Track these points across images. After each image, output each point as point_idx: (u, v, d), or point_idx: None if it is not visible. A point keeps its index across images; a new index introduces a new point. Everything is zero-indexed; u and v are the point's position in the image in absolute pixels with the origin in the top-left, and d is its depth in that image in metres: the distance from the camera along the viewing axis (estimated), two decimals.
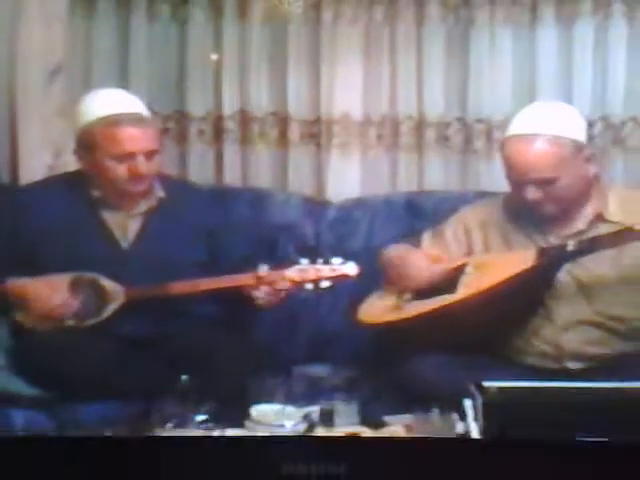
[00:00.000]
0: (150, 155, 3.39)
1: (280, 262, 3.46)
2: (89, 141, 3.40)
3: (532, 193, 3.26)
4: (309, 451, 2.30)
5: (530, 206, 3.31)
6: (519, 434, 2.40)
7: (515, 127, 3.36)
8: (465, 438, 2.50)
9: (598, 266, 3.30)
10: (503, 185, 3.48)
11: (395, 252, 3.50)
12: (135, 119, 3.41)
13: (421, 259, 3.43)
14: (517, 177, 3.29)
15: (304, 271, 3.37)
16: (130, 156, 3.36)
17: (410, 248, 3.49)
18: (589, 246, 3.25)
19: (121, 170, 3.38)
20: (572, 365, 3.31)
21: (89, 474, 2.26)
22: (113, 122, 3.37)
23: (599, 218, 3.32)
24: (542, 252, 3.29)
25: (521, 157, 3.28)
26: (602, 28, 3.96)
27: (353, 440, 2.54)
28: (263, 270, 3.34)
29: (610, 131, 3.98)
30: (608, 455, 2.23)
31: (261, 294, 3.35)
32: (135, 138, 3.37)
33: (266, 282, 3.34)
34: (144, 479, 2.26)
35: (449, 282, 3.36)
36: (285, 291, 3.36)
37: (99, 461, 2.27)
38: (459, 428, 2.73)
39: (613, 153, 3.97)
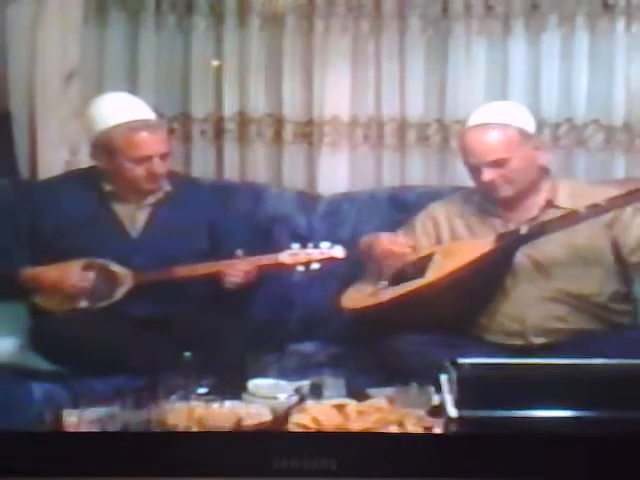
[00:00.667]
0: (164, 157, 3.43)
1: (275, 250, 3.47)
2: (107, 145, 3.43)
3: (487, 174, 3.35)
4: (300, 446, 2.28)
5: (487, 188, 3.39)
6: (489, 406, 2.38)
7: (471, 120, 3.48)
8: (453, 434, 2.44)
9: (553, 247, 3.35)
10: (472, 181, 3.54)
11: (370, 238, 3.54)
12: (149, 125, 3.45)
13: (397, 243, 3.48)
14: (474, 161, 3.39)
15: (295, 255, 3.41)
16: (147, 159, 3.40)
17: (383, 234, 3.53)
18: (540, 229, 3.31)
19: (139, 171, 3.42)
20: (536, 340, 3.33)
21: (83, 468, 2.25)
22: (130, 128, 3.41)
23: (550, 205, 3.39)
24: (499, 237, 3.35)
25: (476, 142, 3.40)
26: (567, 39, 3.97)
27: (344, 435, 2.51)
28: (240, 254, 3.37)
29: (574, 132, 3.98)
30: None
31: (233, 276, 3.37)
32: (151, 143, 3.41)
33: (239, 266, 3.37)
34: (136, 473, 2.23)
35: (419, 269, 3.41)
36: (254, 273, 3.39)
37: (92, 455, 2.27)
38: (435, 400, 2.74)
39: (576, 153, 3.99)
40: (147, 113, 3.52)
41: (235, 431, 2.64)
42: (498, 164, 3.35)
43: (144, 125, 3.44)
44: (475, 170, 3.40)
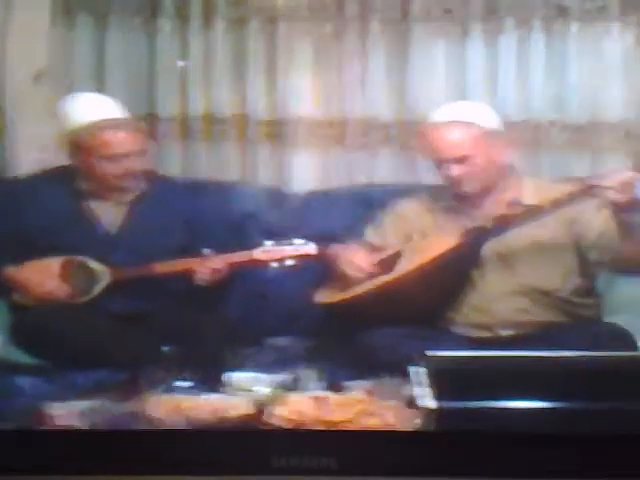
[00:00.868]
0: (138, 155, 3.43)
1: (248, 246, 3.49)
2: (80, 144, 3.43)
3: (453, 170, 3.39)
4: (299, 444, 2.26)
5: (453, 184, 3.43)
6: (458, 396, 2.41)
7: (437, 117, 3.50)
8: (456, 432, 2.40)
9: (518, 243, 3.40)
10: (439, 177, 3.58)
11: (339, 252, 3.55)
12: (122, 124, 3.46)
13: (361, 256, 3.51)
14: (440, 157, 3.42)
15: (269, 251, 3.43)
16: (120, 157, 3.40)
17: (350, 248, 3.55)
18: (505, 223, 3.36)
19: (112, 169, 3.42)
20: (503, 332, 3.38)
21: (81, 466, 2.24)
22: (103, 127, 3.41)
23: (515, 202, 3.42)
24: (466, 232, 3.40)
25: (442, 139, 3.43)
26: (523, 41, 4.00)
27: (344, 433, 2.49)
28: (207, 252, 3.40)
29: (530, 131, 4.02)
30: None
31: (202, 273, 3.40)
32: (124, 141, 3.42)
33: (209, 264, 3.39)
34: (135, 472, 2.22)
35: (388, 265, 3.45)
36: (223, 271, 3.40)
37: (88, 453, 2.26)
38: (406, 391, 2.76)
39: (534, 151, 4.02)
40: (119, 112, 3.52)
41: (234, 429, 2.62)
42: (463, 160, 3.38)
43: (117, 124, 3.44)
44: (441, 166, 3.43)
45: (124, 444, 2.29)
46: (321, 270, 3.55)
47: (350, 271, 3.47)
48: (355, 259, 3.49)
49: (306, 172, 4.15)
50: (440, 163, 3.43)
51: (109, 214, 3.52)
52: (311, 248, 3.44)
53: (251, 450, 2.23)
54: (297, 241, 3.44)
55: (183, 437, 2.37)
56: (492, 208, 3.45)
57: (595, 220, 3.37)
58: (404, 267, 3.43)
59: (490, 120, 3.50)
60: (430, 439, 2.28)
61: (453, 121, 3.45)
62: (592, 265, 3.45)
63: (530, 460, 2.24)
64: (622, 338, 3.26)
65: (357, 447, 2.26)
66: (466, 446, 2.24)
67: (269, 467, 2.18)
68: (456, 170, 3.39)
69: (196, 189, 3.83)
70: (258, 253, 3.43)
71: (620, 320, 3.39)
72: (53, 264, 3.39)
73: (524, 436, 2.29)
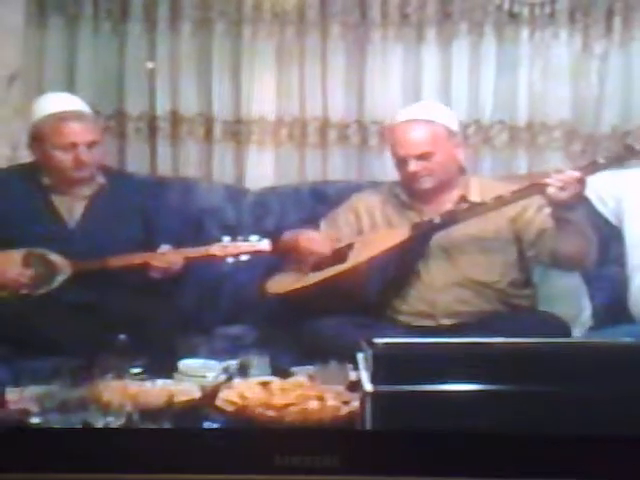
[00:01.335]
0: (91, 145, 3.43)
1: (205, 241, 3.49)
2: (39, 135, 3.46)
3: (413, 166, 3.40)
4: (302, 442, 2.20)
5: (411, 179, 3.44)
6: (401, 381, 2.38)
7: (401, 116, 3.53)
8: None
9: (462, 238, 3.42)
10: (392, 175, 3.61)
11: (291, 236, 3.57)
12: (77, 115, 3.48)
13: (315, 240, 3.52)
14: (402, 153, 3.43)
15: (225, 247, 3.42)
16: (73, 146, 3.41)
17: (303, 232, 3.56)
18: (451, 219, 3.37)
19: (66, 158, 3.43)
20: (445, 321, 3.40)
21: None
22: (59, 118, 3.43)
23: (462, 200, 3.45)
24: (414, 227, 3.41)
25: (405, 136, 3.45)
26: (476, 45, 4.01)
27: (347, 432, 2.44)
28: (165, 248, 3.40)
29: (481, 132, 4.02)
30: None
31: (159, 267, 3.38)
32: (77, 131, 3.43)
33: (166, 259, 3.39)
34: (137, 470, 2.15)
35: (340, 257, 3.46)
36: (179, 265, 3.40)
37: (93, 451, 2.20)
38: (353, 376, 2.75)
39: (483, 151, 4.02)
40: (77, 105, 3.54)
41: (237, 428, 2.60)
42: (423, 157, 3.40)
43: (71, 115, 3.47)
44: (401, 161, 3.44)
45: (125, 442, 2.25)
46: (272, 261, 3.56)
47: (304, 254, 3.48)
48: (311, 241, 3.51)
49: (265, 170, 4.14)
50: (402, 159, 3.44)
51: (69, 208, 3.52)
52: (265, 244, 3.44)
53: (254, 448, 2.17)
54: (252, 237, 3.45)
55: (185, 435, 2.31)
56: (441, 204, 3.47)
57: (536, 218, 3.39)
58: (354, 259, 3.44)
59: (451, 120, 3.53)
60: (433, 439, 2.20)
61: (417, 119, 3.47)
62: (530, 260, 3.47)
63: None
64: (556, 326, 3.30)
65: (360, 446, 2.20)
66: (468, 446, 2.20)
67: (272, 465, 2.12)
68: (416, 166, 3.40)
69: (155, 185, 3.84)
70: (215, 249, 3.43)
71: (554, 309, 3.43)
72: (15, 256, 3.37)
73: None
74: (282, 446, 2.16)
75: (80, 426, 2.60)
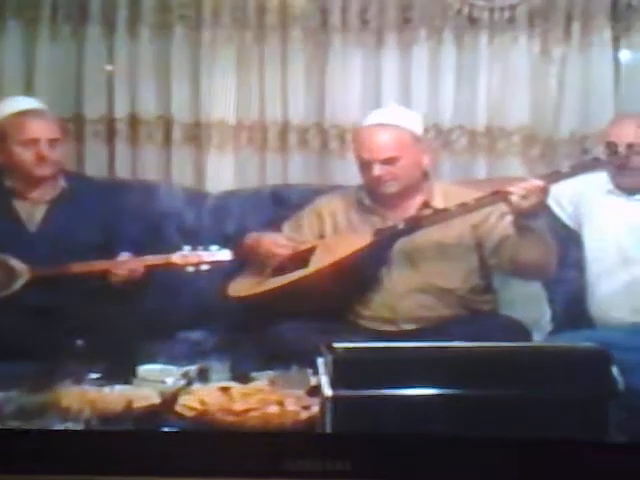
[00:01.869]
0: (52, 143, 3.44)
1: (165, 244, 3.49)
2: (1, 134, 3.46)
3: (378, 170, 3.37)
4: (313, 447, 2.15)
5: (375, 184, 3.42)
6: (360, 386, 2.37)
7: (367, 120, 3.51)
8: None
9: (425, 245, 3.41)
10: (352, 180, 3.60)
11: (254, 238, 3.55)
12: (38, 113, 3.50)
13: (275, 243, 3.50)
14: (367, 157, 3.40)
15: (186, 256, 3.41)
16: (34, 142, 3.41)
17: (265, 234, 3.54)
18: (414, 224, 3.36)
19: (27, 155, 3.42)
20: (406, 326, 3.39)
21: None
22: (20, 115, 3.45)
23: (426, 206, 3.43)
24: (377, 232, 3.39)
25: (371, 140, 3.43)
26: (435, 51, 4.00)
27: (358, 436, 2.29)
28: (125, 256, 3.40)
29: (441, 136, 4.01)
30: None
31: (119, 275, 3.38)
32: (38, 127, 3.45)
33: (127, 266, 3.38)
34: (146, 472, 2.09)
35: (302, 261, 3.44)
36: (139, 272, 3.39)
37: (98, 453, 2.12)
38: (313, 381, 2.76)
39: (442, 155, 4.01)
40: (38, 105, 3.57)
41: (246, 431, 2.56)
42: (389, 161, 3.38)
43: (32, 112, 3.49)
44: (366, 165, 3.41)
45: (140, 444, 2.17)
46: (234, 266, 3.53)
47: (265, 257, 3.46)
48: (272, 243, 3.49)
49: (226, 173, 4.12)
50: (366, 163, 3.42)
51: (30, 213, 3.51)
52: (225, 254, 3.43)
53: (263, 452, 2.11)
54: (213, 247, 3.44)
55: (194, 439, 2.23)
56: (405, 210, 3.45)
57: (498, 226, 3.38)
58: (316, 264, 3.41)
59: (417, 125, 3.51)
60: (444, 444, 2.15)
61: (383, 124, 3.45)
62: (491, 268, 3.46)
63: None
64: (516, 330, 3.32)
65: (371, 450, 2.12)
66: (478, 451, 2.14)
67: (281, 469, 2.06)
68: (381, 170, 3.38)
69: (115, 189, 3.82)
70: (176, 257, 3.42)
71: (514, 314, 3.45)
72: None
73: None
74: (292, 450, 2.11)
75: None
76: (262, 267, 3.50)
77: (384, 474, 2.09)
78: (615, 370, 2.34)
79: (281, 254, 3.46)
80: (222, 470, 2.08)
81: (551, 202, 3.47)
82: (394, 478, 2.10)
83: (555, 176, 3.30)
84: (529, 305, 3.56)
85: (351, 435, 2.28)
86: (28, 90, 4.03)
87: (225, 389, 2.78)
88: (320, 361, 2.49)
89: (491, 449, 2.12)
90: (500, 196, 3.23)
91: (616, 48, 3.92)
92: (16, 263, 3.37)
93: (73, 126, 4.13)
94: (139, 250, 3.42)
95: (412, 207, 3.45)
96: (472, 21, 3.98)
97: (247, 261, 3.56)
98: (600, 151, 3.55)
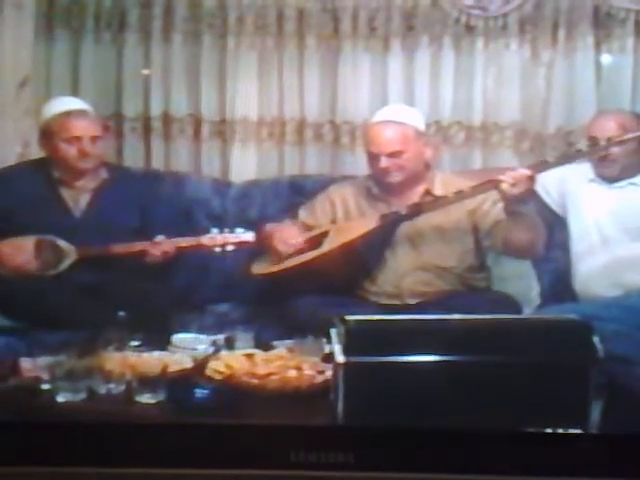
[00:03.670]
0: (93, 139, 3.45)
1: (195, 227, 3.52)
2: (49, 131, 3.48)
3: (385, 162, 3.38)
4: (318, 439, 2.08)
5: (382, 174, 3.43)
6: (370, 352, 2.38)
7: (376, 117, 3.51)
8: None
9: (425, 228, 3.42)
10: (362, 170, 3.62)
11: (271, 229, 3.55)
12: (81, 113, 3.50)
13: (292, 233, 3.50)
14: (375, 150, 3.41)
15: (214, 239, 3.42)
16: (77, 139, 3.42)
17: (279, 228, 3.55)
18: (416, 210, 3.37)
19: (72, 150, 3.43)
20: (410, 300, 3.41)
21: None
22: (65, 115, 3.45)
23: (428, 193, 3.45)
24: (383, 217, 3.41)
25: (379, 135, 3.43)
26: (436, 55, 4.01)
27: (362, 429, 2.24)
28: (159, 239, 3.39)
29: (441, 132, 4.02)
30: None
31: (154, 255, 3.38)
32: (80, 126, 3.45)
33: (161, 247, 3.38)
34: (154, 464, 2.06)
35: (316, 242, 3.45)
36: (172, 252, 3.39)
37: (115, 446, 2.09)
38: (327, 349, 2.77)
39: (443, 148, 4.01)
40: (82, 105, 3.56)
41: (254, 423, 2.42)
42: (395, 155, 3.39)
43: (76, 112, 3.49)
44: (374, 158, 3.43)
45: (144, 435, 2.15)
46: (256, 247, 3.53)
47: (280, 246, 3.47)
48: (285, 235, 3.49)
49: (248, 165, 4.14)
50: (374, 156, 3.43)
51: (76, 200, 3.53)
52: (249, 236, 3.44)
53: (269, 444, 2.04)
54: (238, 230, 3.44)
55: (202, 430, 2.17)
56: (408, 197, 3.46)
57: (491, 211, 3.39)
58: (329, 245, 3.44)
59: (420, 122, 3.52)
60: (440, 437, 2.12)
61: (390, 121, 3.46)
62: (485, 248, 3.48)
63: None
64: (508, 303, 3.33)
65: (375, 443, 2.07)
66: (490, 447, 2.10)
67: (287, 461, 2.00)
68: (387, 162, 3.39)
69: (151, 179, 3.84)
70: (205, 239, 3.42)
71: (506, 289, 3.46)
72: (27, 242, 3.37)
73: None
74: (298, 442, 2.05)
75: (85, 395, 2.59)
76: (277, 253, 3.51)
77: (387, 466, 2.04)
78: (596, 339, 2.34)
79: (293, 244, 3.46)
80: (229, 464, 2.03)
81: (539, 189, 3.48)
82: (397, 471, 2.06)
83: (542, 166, 3.30)
84: (519, 281, 3.56)
85: (355, 428, 2.27)
86: (74, 91, 4.08)
87: (249, 355, 2.81)
88: (333, 331, 2.50)
89: (492, 444, 2.13)
90: (493, 184, 3.25)
91: (598, 52, 3.93)
92: (64, 245, 3.39)
93: (113, 123, 4.16)
94: (172, 233, 3.43)
95: (415, 195, 3.46)
96: (469, 29, 3.99)
97: (266, 245, 3.57)
98: (583, 144, 3.57)
